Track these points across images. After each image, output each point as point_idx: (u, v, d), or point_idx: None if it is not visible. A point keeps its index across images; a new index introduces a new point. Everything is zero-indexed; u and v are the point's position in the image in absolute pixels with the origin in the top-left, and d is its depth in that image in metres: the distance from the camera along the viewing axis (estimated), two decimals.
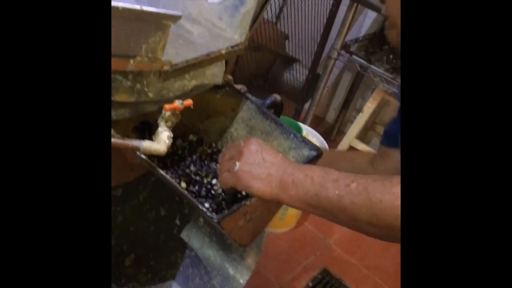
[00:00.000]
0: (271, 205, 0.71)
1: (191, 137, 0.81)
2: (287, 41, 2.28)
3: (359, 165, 1.01)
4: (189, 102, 0.63)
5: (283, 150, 0.79)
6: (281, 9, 2.27)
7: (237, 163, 0.64)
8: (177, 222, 1.11)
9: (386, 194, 0.56)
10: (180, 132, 0.81)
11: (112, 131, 0.62)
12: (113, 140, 0.59)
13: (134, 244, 1.10)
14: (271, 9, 2.09)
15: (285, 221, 1.91)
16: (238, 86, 0.82)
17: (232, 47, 0.71)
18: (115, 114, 0.69)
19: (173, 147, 0.78)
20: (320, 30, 2.09)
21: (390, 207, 0.55)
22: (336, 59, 2.10)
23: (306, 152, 0.77)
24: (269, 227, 1.94)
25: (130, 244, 1.09)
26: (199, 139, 0.82)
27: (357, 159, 1.06)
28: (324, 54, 2.14)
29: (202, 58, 0.67)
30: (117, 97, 0.69)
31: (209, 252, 1.07)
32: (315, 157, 0.75)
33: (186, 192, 0.62)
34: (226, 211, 0.62)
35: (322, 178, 0.61)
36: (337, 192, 0.59)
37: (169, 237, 1.10)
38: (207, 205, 0.69)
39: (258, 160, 0.64)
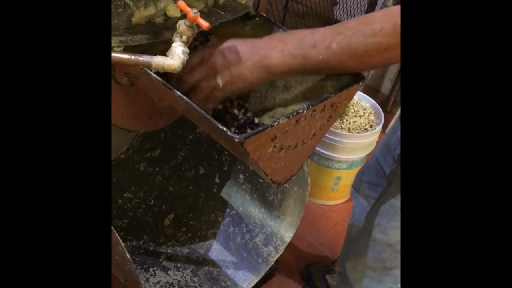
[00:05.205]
0: (306, 135, 0.63)
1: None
2: (335, 7, 2.17)
3: None
4: None
5: (320, 79, 0.70)
6: None
7: (219, 78, 0.61)
8: (217, 180, 1.05)
9: (369, 37, 0.55)
10: None
11: (117, 48, 0.57)
12: (120, 55, 0.53)
13: (173, 204, 1.05)
14: None
15: (338, 192, 1.81)
16: None
17: None
18: (130, 39, 0.64)
19: None
20: None
21: (376, 50, 0.56)
22: None
23: (346, 79, 0.68)
24: (322, 199, 1.85)
25: (169, 204, 1.05)
26: None
27: None
28: None
29: None
30: (133, 18, 0.65)
31: (251, 210, 1.01)
32: (356, 82, 0.66)
33: (205, 113, 0.55)
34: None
35: (301, 49, 0.59)
36: (320, 57, 0.58)
37: (209, 196, 1.05)
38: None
39: (234, 53, 0.60)
